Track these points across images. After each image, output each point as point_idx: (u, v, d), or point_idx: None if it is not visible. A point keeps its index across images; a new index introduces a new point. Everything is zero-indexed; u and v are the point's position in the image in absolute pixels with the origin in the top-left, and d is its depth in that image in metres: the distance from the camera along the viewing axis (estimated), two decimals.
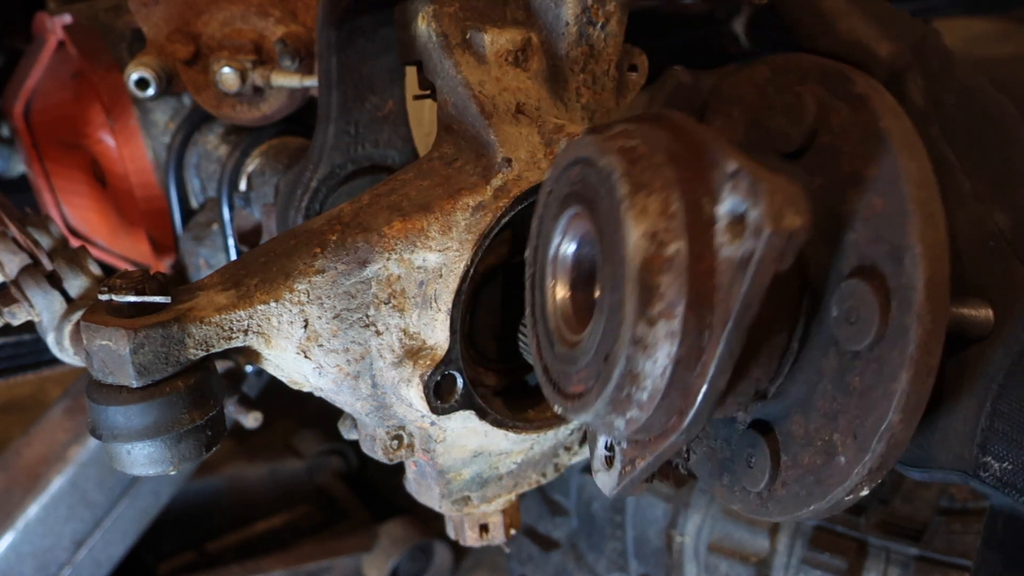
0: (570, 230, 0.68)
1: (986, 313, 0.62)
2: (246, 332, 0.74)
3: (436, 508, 0.95)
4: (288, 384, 0.83)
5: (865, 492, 0.61)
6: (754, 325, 0.56)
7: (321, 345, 0.78)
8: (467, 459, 0.91)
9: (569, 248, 0.68)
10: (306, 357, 0.78)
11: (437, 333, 0.81)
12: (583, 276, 0.68)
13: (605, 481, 0.71)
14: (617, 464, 0.69)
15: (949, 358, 0.61)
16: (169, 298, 0.71)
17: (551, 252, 0.69)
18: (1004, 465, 0.60)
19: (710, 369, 0.56)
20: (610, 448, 0.71)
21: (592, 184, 0.61)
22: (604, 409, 0.61)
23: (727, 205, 0.54)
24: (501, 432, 0.89)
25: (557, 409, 0.68)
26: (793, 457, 0.65)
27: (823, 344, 0.63)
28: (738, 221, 0.53)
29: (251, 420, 1.32)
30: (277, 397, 1.47)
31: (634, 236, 0.55)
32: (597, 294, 0.62)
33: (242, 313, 0.73)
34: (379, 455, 0.87)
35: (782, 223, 0.51)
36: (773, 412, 0.68)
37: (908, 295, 0.56)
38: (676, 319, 0.55)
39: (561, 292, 0.69)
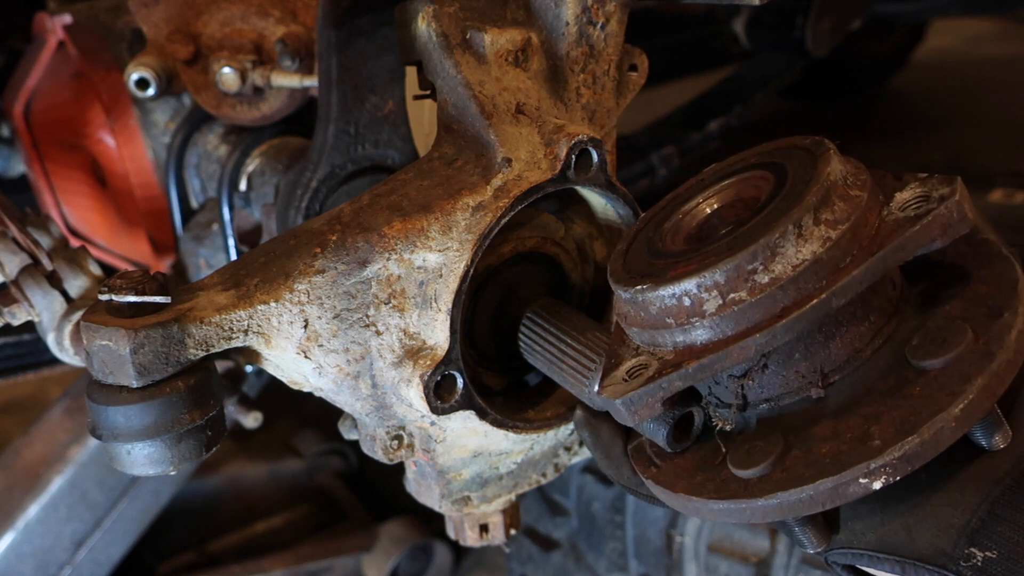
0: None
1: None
2: (246, 332, 0.74)
3: (436, 508, 0.95)
4: (288, 384, 0.83)
5: (879, 485, 0.60)
6: (862, 307, 0.64)
7: (321, 345, 0.78)
8: (467, 459, 0.91)
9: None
10: (306, 357, 0.78)
11: (437, 333, 0.81)
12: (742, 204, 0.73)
13: (617, 390, 0.69)
14: (650, 371, 0.68)
15: (957, 452, 0.63)
16: (169, 298, 0.71)
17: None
18: (988, 555, 0.61)
19: (836, 285, 0.61)
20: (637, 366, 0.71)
21: (795, 155, 0.70)
22: (721, 276, 0.64)
23: (914, 190, 0.65)
24: (501, 432, 0.89)
25: (632, 291, 0.68)
26: (807, 450, 0.65)
27: (891, 360, 0.65)
28: (921, 200, 0.63)
29: (251, 420, 1.32)
30: (277, 397, 1.47)
31: (830, 167, 0.66)
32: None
33: (242, 313, 0.73)
34: (379, 455, 0.87)
35: (964, 203, 0.62)
36: (797, 419, 0.68)
37: (1000, 331, 0.63)
38: (837, 230, 0.63)
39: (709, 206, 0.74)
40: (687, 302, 0.66)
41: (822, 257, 0.63)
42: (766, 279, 0.63)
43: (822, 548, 0.68)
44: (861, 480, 0.60)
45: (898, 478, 0.60)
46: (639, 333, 0.70)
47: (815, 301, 0.61)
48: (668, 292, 0.66)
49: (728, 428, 0.71)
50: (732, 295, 0.64)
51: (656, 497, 0.76)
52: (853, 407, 0.64)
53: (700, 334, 0.66)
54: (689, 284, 0.65)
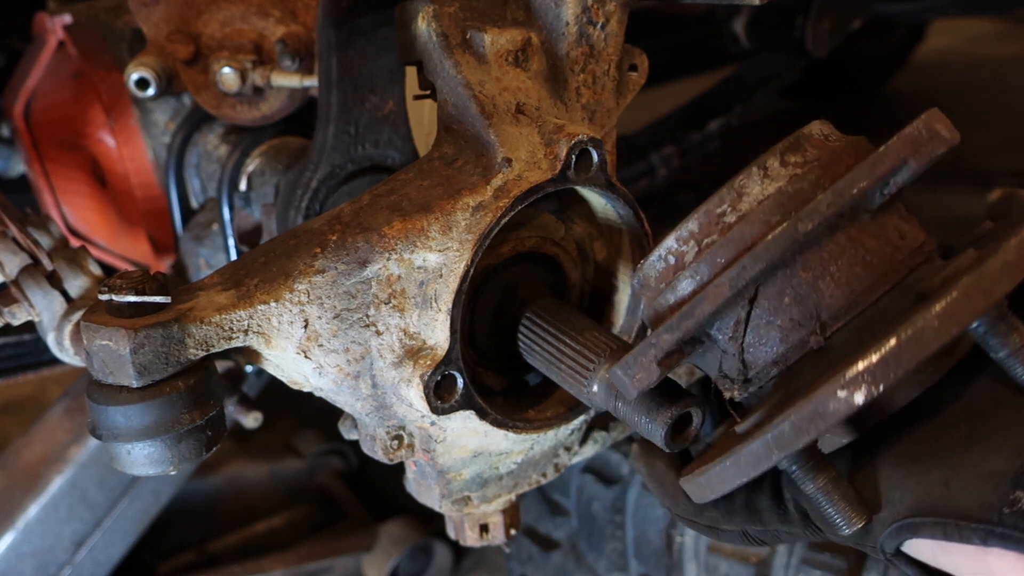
0: None
1: None
2: (246, 332, 0.74)
3: (436, 508, 0.95)
4: (288, 384, 0.83)
5: (860, 398, 0.56)
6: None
7: (321, 345, 0.78)
8: (467, 459, 0.91)
9: None
10: (306, 357, 0.78)
11: (437, 333, 0.81)
12: None
13: (616, 362, 0.68)
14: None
15: (1002, 402, 0.61)
16: (169, 298, 0.71)
17: None
18: None
19: (802, 211, 0.61)
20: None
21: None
22: (694, 225, 0.66)
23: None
24: (501, 432, 0.89)
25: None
26: (803, 394, 0.61)
27: (900, 307, 0.63)
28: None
29: (251, 420, 1.32)
30: (277, 397, 1.47)
31: (808, 126, 0.68)
32: None
33: (242, 313, 0.73)
34: (379, 455, 0.87)
35: (936, 122, 0.63)
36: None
37: (999, 242, 0.61)
38: (804, 168, 0.64)
39: None
40: (671, 260, 0.67)
41: (786, 190, 0.64)
42: (734, 218, 0.65)
43: (860, 525, 0.63)
44: (839, 393, 0.57)
45: (882, 387, 0.56)
46: (647, 311, 0.71)
47: (781, 227, 0.61)
48: (655, 256, 0.68)
49: (738, 397, 0.69)
50: (706, 240, 0.66)
51: (717, 527, 0.73)
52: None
53: (684, 286, 0.66)
54: (669, 241, 0.67)
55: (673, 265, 0.67)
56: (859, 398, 0.56)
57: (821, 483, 0.63)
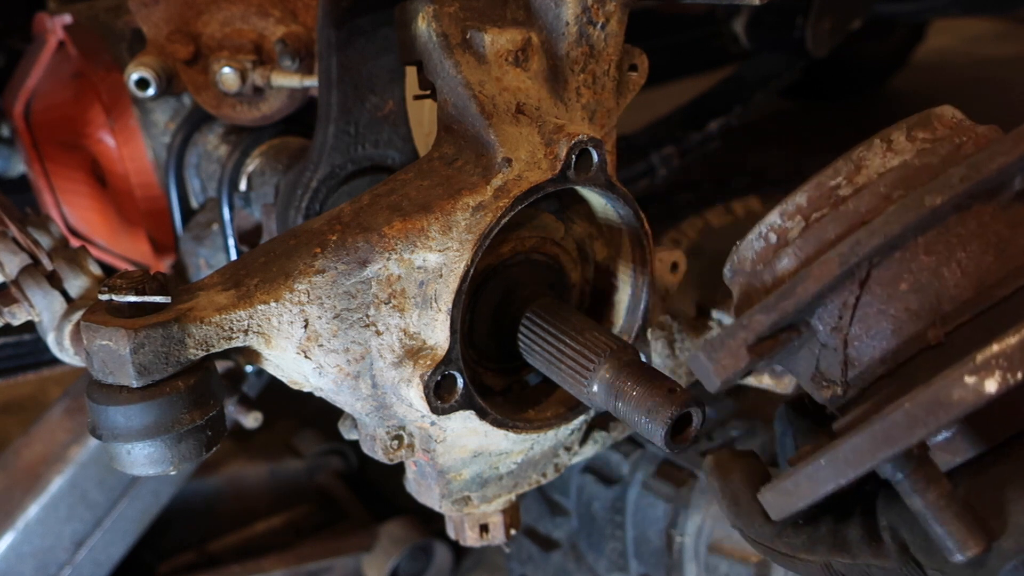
0: None
1: None
2: (246, 332, 0.74)
3: (436, 508, 0.95)
4: (288, 384, 0.83)
5: (994, 386, 0.47)
6: None
7: (321, 345, 0.78)
8: (467, 459, 0.91)
9: None
10: (306, 357, 0.78)
11: (437, 333, 0.81)
12: None
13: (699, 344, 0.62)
14: None
15: None
16: (169, 298, 0.71)
17: None
18: None
19: (931, 184, 0.54)
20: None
21: None
22: (803, 198, 0.57)
23: None
24: (501, 432, 0.89)
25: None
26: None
27: None
28: None
29: (251, 420, 1.32)
30: (277, 397, 1.47)
31: (947, 108, 0.60)
32: None
33: (242, 313, 0.73)
34: (379, 455, 0.87)
35: None
36: None
37: None
38: (933, 143, 0.57)
39: None
40: (773, 238, 0.59)
41: (912, 163, 0.55)
42: (850, 191, 0.56)
43: (976, 552, 0.51)
44: (968, 379, 0.47)
45: (1019, 375, 0.47)
46: (738, 299, 0.62)
47: (904, 200, 0.52)
48: (754, 235, 0.60)
49: (833, 404, 0.60)
50: (815, 214, 0.57)
51: (795, 555, 0.64)
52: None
53: (786, 264, 0.58)
54: (772, 216, 0.59)
55: (775, 244, 0.59)
56: (991, 386, 0.47)
57: (932, 497, 0.52)
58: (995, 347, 0.47)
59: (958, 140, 0.57)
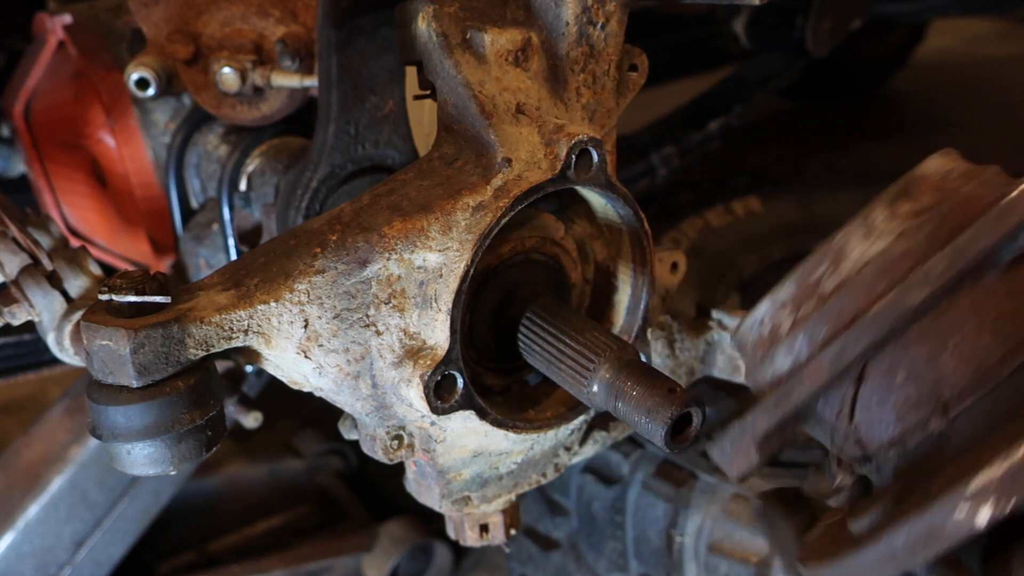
0: None
1: None
2: (246, 332, 0.74)
3: (436, 508, 0.95)
4: (288, 384, 0.83)
5: (984, 518, 0.46)
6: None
7: (321, 345, 0.78)
8: (467, 459, 0.91)
9: None
10: (306, 357, 0.78)
11: (437, 333, 0.81)
12: None
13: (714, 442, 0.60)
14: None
15: None
16: (169, 298, 0.71)
17: None
18: None
19: (910, 277, 0.51)
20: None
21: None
22: (790, 289, 0.57)
23: None
24: (501, 432, 0.89)
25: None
26: (924, 492, 0.52)
27: None
28: None
29: (251, 420, 1.32)
30: (277, 397, 1.47)
31: (926, 162, 0.57)
32: None
33: (242, 313, 0.73)
34: (379, 455, 0.87)
35: None
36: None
37: None
38: (918, 220, 0.53)
39: None
40: (767, 328, 0.59)
41: (891, 252, 0.53)
42: (833, 284, 0.55)
43: None
44: (959, 511, 0.46)
45: (1011, 504, 0.46)
46: (748, 378, 0.63)
47: (886, 298, 0.52)
48: (750, 322, 0.60)
49: (852, 478, 0.60)
50: (802, 309, 0.57)
51: None
52: (988, 440, 0.51)
53: (781, 362, 0.58)
54: (764, 306, 0.59)
55: (768, 336, 0.59)
56: (983, 517, 0.46)
57: None
58: (980, 479, 0.46)
59: (943, 210, 0.54)
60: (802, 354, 0.56)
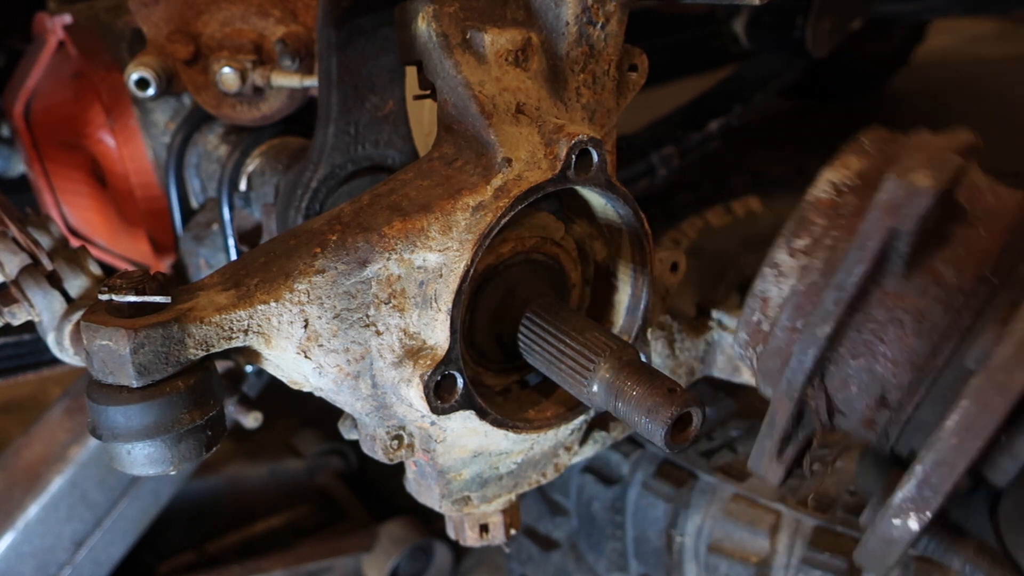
0: None
1: None
2: (246, 332, 0.74)
3: (436, 508, 0.95)
4: (288, 384, 0.83)
5: (915, 526, 0.54)
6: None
7: (321, 345, 0.78)
8: (467, 459, 0.91)
9: None
10: (306, 357, 0.78)
11: (437, 333, 0.81)
12: None
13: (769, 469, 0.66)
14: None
15: None
16: (169, 298, 0.71)
17: None
18: None
19: (816, 312, 0.56)
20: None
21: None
22: (743, 331, 0.64)
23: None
24: (501, 432, 0.89)
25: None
26: None
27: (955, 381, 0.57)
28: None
29: (251, 420, 1.32)
30: (277, 397, 1.47)
31: (823, 178, 0.60)
32: None
33: (242, 313, 0.73)
34: (379, 455, 0.87)
35: (906, 175, 0.53)
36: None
37: None
38: (814, 255, 0.58)
39: None
40: (743, 354, 0.66)
41: (798, 289, 0.59)
42: (767, 327, 0.62)
43: None
44: (895, 523, 0.54)
45: (930, 512, 0.53)
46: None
47: (801, 336, 0.58)
48: (736, 355, 0.69)
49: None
50: (756, 349, 0.64)
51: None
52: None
53: (767, 390, 0.65)
54: (737, 349, 0.67)
55: (746, 358, 0.67)
56: (914, 526, 0.53)
57: (968, 555, 0.58)
58: (898, 495, 0.53)
59: (832, 238, 0.58)
60: (768, 389, 0.63)
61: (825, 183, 0.61)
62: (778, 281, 0.61)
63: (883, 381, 0.59)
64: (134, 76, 1.23)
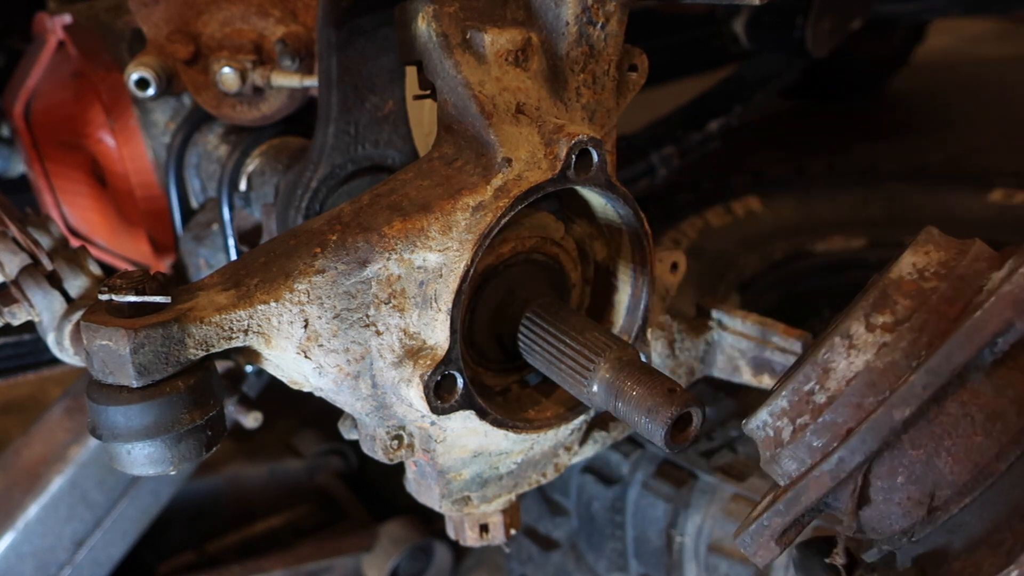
0: None
1: None
2: (246, 332, 0.74)
3: (436, 508, 0.95)
4: (288, 384, 0.83)
5: None
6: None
7: (321, 345, 0.78)
8: (467, 459, 0.91)
9: None
10: (306, 357, 0.78)
11: (437, 333, 0.81)
12: None
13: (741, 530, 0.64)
14: (759, 508, 0.63)
15: None
16: (169, 298, 0.71)
17: None
18: None
19: (894, 395, 0.54)
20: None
21: None
22: (784, 402, 0.60)
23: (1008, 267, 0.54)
24: (501, 432, 0.89)
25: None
26: None
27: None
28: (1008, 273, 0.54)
29: (251, 420, 1.32)
30: (277, 397, 1.47)
31: (899, 263, 0.59)
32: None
33: (242, 313, 0.73)
34: (379, 455, 0.87)
35: None
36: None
37: None
38: (895, 332, 0.56)
39: None
40: (770, 432, 0.63)
41: (875, 365, 0.57)
42: (823, 399, 0.59)
43: None
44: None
45: None
46: (765, 469, 0.67)
47: (874, 415, 0.55)
48: (754, 424, 0.64)
49: (870, 561, 0.64)
50: (799, 420, 0.60)
51: None
52: (993, 535, 0.56)
53: (789, 465, 0.62)
54: (763, 414, 0.63)
55: (773, 438, 0.63)
56: None
57: None
58: None
59: (919, 320, 0.56)
60: (805, 463, 0.60)
61: (908, 265, 0.60)
62: (849, 354, 0.58)
63: (938, 476, 0.57)
64: (134, 76, 1.23)
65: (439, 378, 0.81)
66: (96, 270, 1.07)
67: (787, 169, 2.42)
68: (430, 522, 1.91)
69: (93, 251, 1.41)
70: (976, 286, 0.57)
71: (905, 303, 0.58)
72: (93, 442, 1.58)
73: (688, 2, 1.18)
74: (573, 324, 0.84)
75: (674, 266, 1.03)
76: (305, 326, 0.76)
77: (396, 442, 0.87)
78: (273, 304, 0.74)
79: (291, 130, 1.33)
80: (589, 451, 1.02)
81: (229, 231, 1.30)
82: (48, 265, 1.03)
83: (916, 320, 0.57)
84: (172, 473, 0.72)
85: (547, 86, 0.85)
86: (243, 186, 1.30)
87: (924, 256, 0.60)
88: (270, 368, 0.80)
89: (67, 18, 1.34)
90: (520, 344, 0.88)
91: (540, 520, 1.66)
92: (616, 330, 0.96)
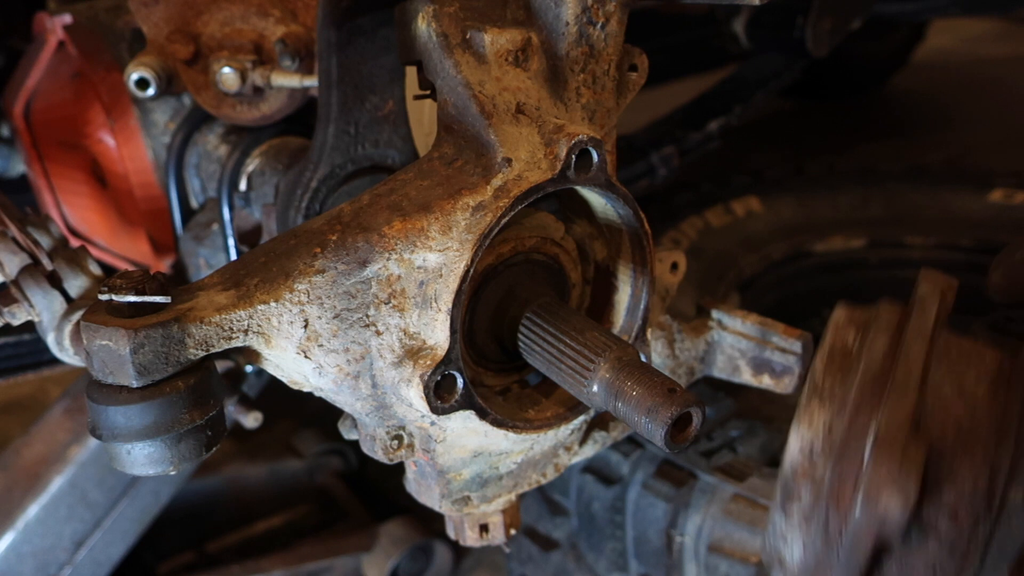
0: None
1: None
2: (246, 332, 0.74)
3: (436, 508, 0.95)
4: (288, 384, 0.83)
5: None
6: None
7: (321, 345, 0.78)
8: (467, 459, 0.91)
9: None
10: (306, 357, 0.78)
11: (437, 333, 0.81)
12: None
13: None
14: None
15: None
16: (169, 298, 0.71)
17: None
18: None
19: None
20: None
21: None
22: None
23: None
24: (501, 432, 0.89)
25: None
26: None
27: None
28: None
29: (251, 420, 1.32)
30: (277, 397, 1.47)
31: (792, 444, 0.63)
32: None
33: (242, 313, 0.73)
34: (379, 455, 0.87)
35: (876, 497, 0.56)
36: None
37: None
38: (808, 527, 0.61)
39: None
40: None
41: (807, 562, 0.63)
42: None
43: None
44: None
45: None
46: None
47: None
48: None
49: None
50: None
51: None
52: None
53: None
54: None
55: None
56: None
57: None
58: None
59: (822, 511, 0.60)
60: None
61: (795, 450, 0.64)
62: (787, 545, 0.63)
63: None
64: (134, 76, 1.23)
65: (439, 378, 0.81)
66: (96, 270, 1.07)
67: (787, 169, 2.42)
68: (430, 522, 1.91)
69: (93, 251, 1.41)
70: (858, 457, 0.60)
71: (806, 493, 0.62)
72: (93, 442, 1.58)
73: (688, 2, 1.18)
74: (573, 324, 0.84)
75: (674, 266, 1.03)
76: (305, 326, 0.76)
77: (396, 442, 0.87)
78: (273, 304, 0.74)
79: (291, 130, 1.33)
80: (589, 451, 1.02)
81: (229, 231, 1.30)
82: (48, 265, 1.03)
83: (820, 510, 0.61)
84: (172, 473, 0.72)
85: (547, 86, 0.85)
86: (243, 186, 1.30)
87: (808, 429, 0.63)
88: (270, 368, 0.80)
89: (67, 18, 1.34)
90: (520, 344, 0.88)
91: (540, 520, 1.66)
92: (616, 330, 0.96)
